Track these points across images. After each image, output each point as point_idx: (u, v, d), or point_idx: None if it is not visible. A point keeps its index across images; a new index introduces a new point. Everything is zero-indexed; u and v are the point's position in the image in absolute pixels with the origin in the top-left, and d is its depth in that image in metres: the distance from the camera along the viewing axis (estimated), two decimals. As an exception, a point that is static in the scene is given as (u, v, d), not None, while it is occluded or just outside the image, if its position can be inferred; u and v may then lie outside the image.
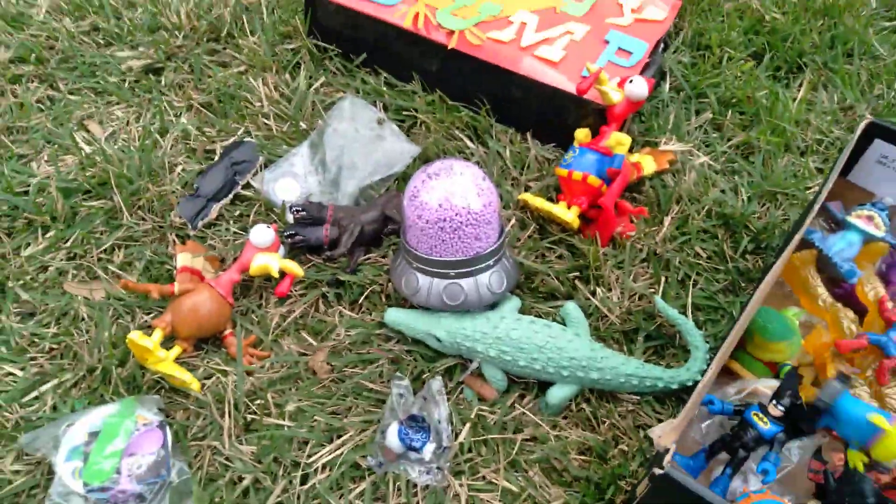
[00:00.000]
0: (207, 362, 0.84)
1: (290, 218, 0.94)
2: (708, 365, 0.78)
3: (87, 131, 1.03)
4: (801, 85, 1.18)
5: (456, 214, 0.79)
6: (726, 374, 0.80)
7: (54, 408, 0.79)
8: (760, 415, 0.71)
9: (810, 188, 1.03)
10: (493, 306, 0.85)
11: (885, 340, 0.76)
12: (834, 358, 0.77)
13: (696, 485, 0.56)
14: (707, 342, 0.82)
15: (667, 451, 0.57)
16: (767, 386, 0.75)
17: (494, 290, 0.82)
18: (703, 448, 0.73)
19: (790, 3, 1.29)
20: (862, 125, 0.83)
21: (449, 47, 1.03)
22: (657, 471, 0.57)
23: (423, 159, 1.01)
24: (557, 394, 0.80)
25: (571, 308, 0.84)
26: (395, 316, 0.83)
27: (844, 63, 1.21)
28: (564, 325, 0.84)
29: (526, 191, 1.00)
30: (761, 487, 0.68)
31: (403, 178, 1.00)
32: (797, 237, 0.74)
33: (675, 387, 0.80)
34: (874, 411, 0.67)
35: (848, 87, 1.17)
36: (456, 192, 0.79)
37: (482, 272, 0.82)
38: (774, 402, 0.71)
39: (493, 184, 0.83)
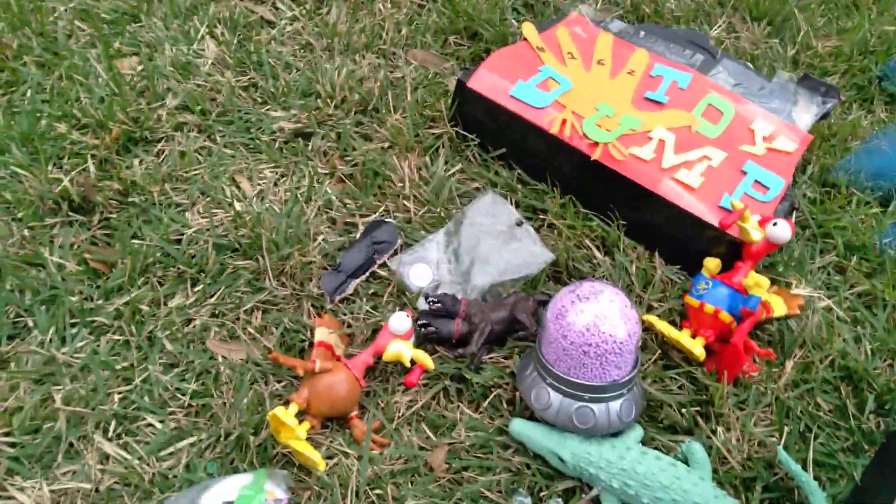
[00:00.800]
0: (331, 441, 0.86)
1: (422, 304, 0.97)
2: None
3: (239, 187, 1.08)
4: (929, 239, 1.17)
5: (602, 342, 0.81)
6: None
7: (188, 467, 0.82)
8: None
9: (935, 351, 1.02)
10: (616, 433, 0.86)
11: None
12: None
13: None
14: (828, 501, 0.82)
15: None
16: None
17: (623, 419, 0.84)
18: None
19: (923, 151, 1.29)
20: None
21: (592, 158, 1.06)
22: None
23: (552, 264, 1.04)
24: None
25: (697, 449, 0.85)
26: (521, 428, 0.84)
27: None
28: (687, 463, 0.84)
29: (648, 311, 1.02)
30: None
31: (531, 283, 1.02)
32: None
33: None
34: None
35: (978, 249, 1.16)
36: (605, 319, 0.81)
37: (614, 399, 0.83)
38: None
39: (637, 314, 0.85)
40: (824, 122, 1.32)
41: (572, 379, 0.83)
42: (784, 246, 1.12)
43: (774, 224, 0.95)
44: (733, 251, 1.00)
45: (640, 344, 0.87)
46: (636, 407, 0.85)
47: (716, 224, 0.99)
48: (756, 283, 0.93)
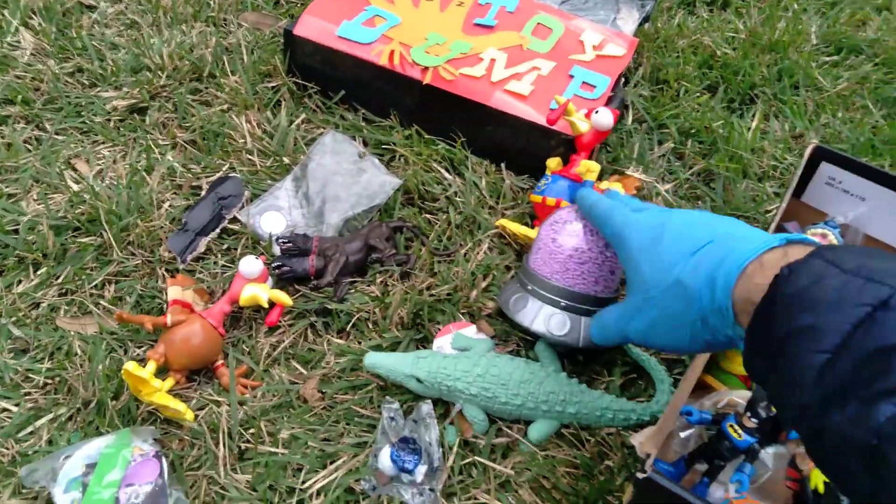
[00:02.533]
0: (200, 393, 0.86)
1: (276, 250, 0.97)
2: (672, 394, 0.83)
3: (75, 170, 1.05)
4: (754, 115, 1.26)
5: (589, 249, 0.84)
6: (702, 389, 0.85)
7: (50, 441, 0.80)
8: (735, 426, 0.76)
9: (769, 211, 1.10)
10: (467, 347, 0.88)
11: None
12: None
13: (676, 486, 0.60)
14: (671, 373, 0.87)
15: (647, 456, 0.62)
16: (742, 397, 0.80)
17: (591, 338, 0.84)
18: (682, 457, 0.77)
19: (739, 39, 1.38)
20: (808, 150, 0.90)
21: (423, 83, 1.09)
22: (640, 475, 0.61)
23: (404, 191, 1.06)
24: (539, 429, 0.83)
25: (544, 347, 0.89)
26: (374, 359, 0.84)
27: (792, 95, 1.29)
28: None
29: (502, 217, 1.05)
30: (742, 494, 0.73)
31: (385, 210, 1.04)
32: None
33: (647, 419, 0.84)
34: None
35: (797, 117, 1.25)
36: (597, 231, 0.84)
37: (590, 315, 0.84)
38: (748, 413, 0.76)
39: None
40: (650, 26, 1.39)
41: (553, 282, 0.85)
42: (625, 141, 1.18)
43: (597, 112, 1.00)
44: (570, 148, 1.05)
45: (622, 274, 0.89)
46: None
47: (545, 123, 1.03)
48: (588, 168, 0.98)
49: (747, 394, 0.79)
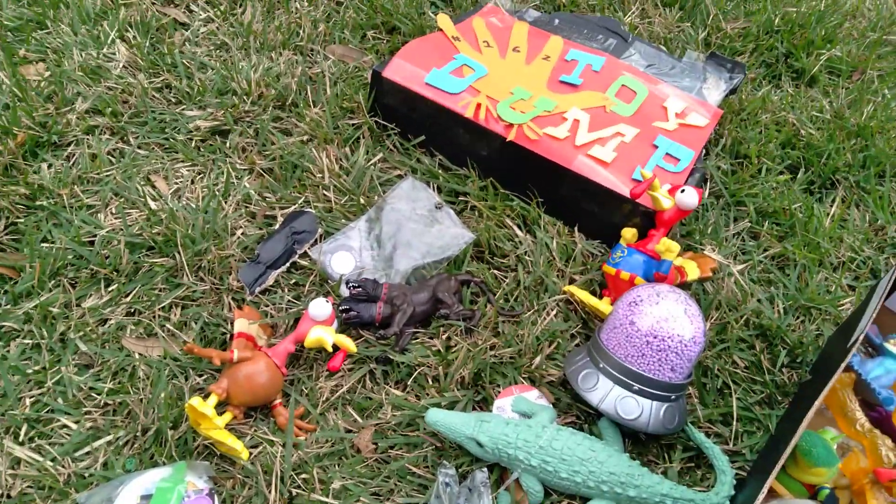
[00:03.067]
0: (255, 431, 0.85)
1: (344, 291, 0.97)
2: (734, 488, 0.81)
3: (154, 187, 1.07)
4: (833, 201, 1.23)
5: (668, 336, 0.83)
6: (768, 493, 0.82)
7: (105, 465, 0.80)
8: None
9: (842, 305, 1.07)
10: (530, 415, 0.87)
11: (921, 472, 0.78)
12: (872, 486, 0.79)
13: None
14: (732, 464, 0.84)
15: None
16: (806, 507, 0.77)
17: (666, 424, 0.84)
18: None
19: (824, 119, 1.35)
20: (906, 260, 0.87)
21: (507, 139, 1.08)
22: None
23: (475, 244, 1.05)
24: None
25: (609, 424, 0.86)
26: (436, 416, 0.83)
27: (876, 184, 1.26)
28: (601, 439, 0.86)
29: (570, 283, 1.04)
30: None
31: (454, 262, 1.03)
32: (844, 363, 0.77)
33: None
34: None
35: (879, 209, 1.22)
36: (676, 317, 0.83)
37: (661, 400, 0.84)
38: (813, 525, 0.73)
39: (705, 328, 0.86)
40: (734, 98, 1.37)
41: (628, 365, 0.84)
42: (700, 215, 1.16)
43: (682, 191, 0.98)
44: (648, 221, 1.03)
45: (699, 359, 0.88)
46: (678, 417, 0.86)
47: (627, 195, 1.02)
48: (667, 248, 0.96)
49: (810, 503, 0.76)
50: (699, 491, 0.83)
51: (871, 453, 0.83)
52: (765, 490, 0.67)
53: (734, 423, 0.91)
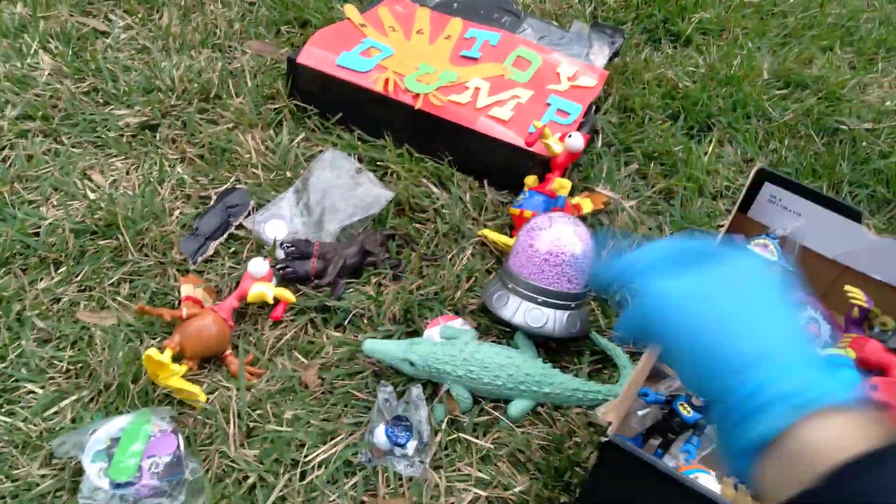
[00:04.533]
0: (210, 379, 0.94)
1: (280, 254, 1.07)
2: None
3: (91, 180, 1.14)
4: (710, 141, 1.40)
5: (561, 252, 0.96)
6: (658, 375, 0.96)
7: (73, 420, 0.88)
8: (685, 404, 0.87)
9: (721, 225, 1.23)
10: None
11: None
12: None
13: (633, 447, 0.70)
14: (633, 363, 0.99)
15: (609, 423, 0.72)
16: (690, 381, 0.91)
17: (570, 329, 0.97)
18: (639, 433, 0.88)
19: (699, 73, 1.53)
20: (753, 171, 1.03)
21: (416, 108, 1.20)
22: (603, 439, 0.71)
23: (396, 203, 1.16)
24: (517, 407, 0.93)
25: (521, 336, 0.99)
26: (372, 346, 0.93)
27: (745, 123, 1.44)
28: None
29: (484, 228, 1.16)
30: (689, 462, 0.84)
31: (378, 220, 1.14)
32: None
33: (612, 398, 0.95)
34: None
35: (748, 143, 1.39)
36: (568, 237, 0.97)
37: (563, 308, 0.97)
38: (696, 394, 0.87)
39: (592, 244, 1.00)
40: (619, 60, 1.53)
41: (532, 282, 0.96)
42: (594, 162, 1.31)
43: (570, 136, 1.12)
44: (546, 168, 1.16)
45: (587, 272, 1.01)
46: (581, 323, 0.99)
47: (524, 145, 1.15)
48: (560, 185, 1.10)
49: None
50: (605, 385, 0.97)
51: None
52: (643, 360, 0.80)
53: (632, 328, 1.05)
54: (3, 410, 0.87)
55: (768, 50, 1.67)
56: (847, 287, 1.03)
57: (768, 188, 1.05)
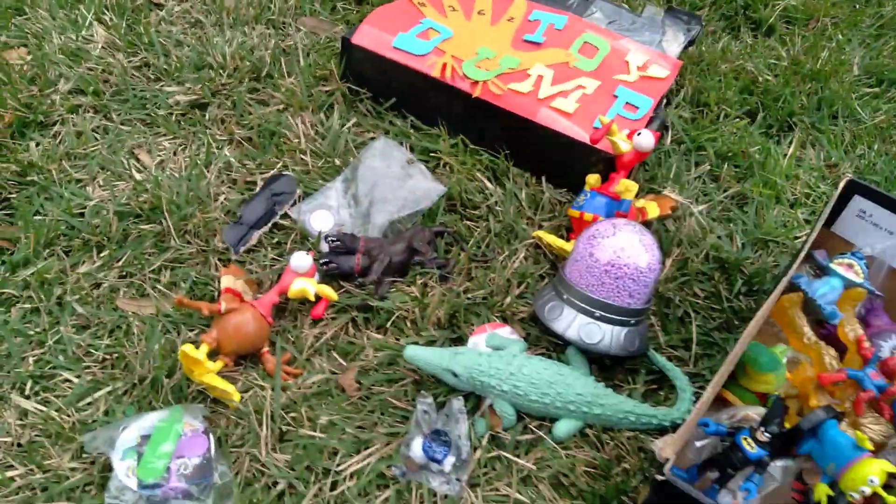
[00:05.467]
0: (246, 377, 0.91)
1: (324, 247, 1.03)
2: (694, 404, 0.87)
3: (138, 160, 1.12)
4: (790, 142, 1.28)
5: (624, 265, 0.89)
6: (721, 402, 0.89)
7: (106, 413, 0.86)
8: (748, 439, 0.79)
9: (798, 237, 1.13)
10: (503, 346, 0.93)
11: (861, 375, 0.85)
12: (816, 390, 0.86)
13: (693, 489, 0.64)
14: (692, 385, 0.91)
15: (667, 460, 0.65)
16: (756, 413, 0.84)
17: (627, 347, 0.90)
18: (696, 464, 0.81)
19: (781, 67, 1.41)
20: (843, 182, 0.93)
21: (473, 96, 1.13)
22: (658, 477, 0.65)
23: (447, 198, 1.10)
24: (564, 427, 0.87)
25: (575, 351, 0.93)
26: (413, 352, 0.88)
27: (830, 124, 1.32)
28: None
29: (539, 229, 1.09)
30: (748, 502, 0.76)
31: (428, 215, 1.09)
32: (785, 280, 0.84)
33: (667, 424, 0.88)
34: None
35: (833, 147, 1.28)
36: (632, 247, 0.89)
37: (621, 325, 0.90)
38: (762, 428, 0.79)
39: (660, 255, 0.93)
40: (694, 49, 1.42)
41: (589, 294, 0.90)
42: (662, 160, 1.22)
43: (639, 134, 1.03)
44: (609, 166, 1.08)
45: (656, 284, 0.94)
46: (639, 341, 0.92)
47: (588, 141, 1.07)
48: (626, 188, 1.02)
49: (762, 410, 0.82)
50: (661, 408, 0.90)
51: (817, 363, 0.89)
52: (710, 389, 0.73)
53: (694, 346, 0.97)
54: (38, 398, 0.86)
55: (860, 43, 1.53)
56: (940, 317, 0.93)
57: (858, 202, 0.95)
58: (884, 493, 0.71)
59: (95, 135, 1.15)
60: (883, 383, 0.85)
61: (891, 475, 0.78)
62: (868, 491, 0.71)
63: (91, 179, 1.09)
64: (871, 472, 0.71)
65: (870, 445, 0.73)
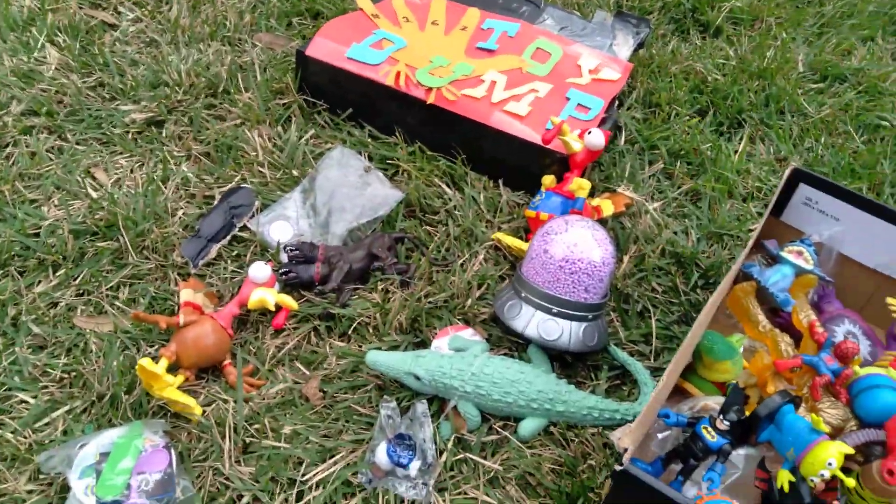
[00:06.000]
0: (208, 390, 0.90)
1: (284, 258, 1.03)
2: None
3: (94, 178, 1.11)
4: (741, 139, 1.32)
5: (578, 260, 0.90)
6: (681, 394, 0.90)
7: (65, 432, 0.84)
8: (709, 428, 0.80)
9: (752, 230, 1.15)
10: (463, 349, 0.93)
11: (816, 360, 0.87)
12: (773, 377, 0.88)
13: (650, 477, 0.65)
14: (654, 379, 0.92)
15: (625, 450, 0.66)
16: (716, 402, 0.85)
17: (587, 342, 0.91)
18: (659, 457, 0.82)
19: (729, 66, 1.45)
20: (787, 171, 0.95)
21: (427, 102, 1.15)
22: (618, 467, 0.66)
23: (406, 204, 1.11)
24: (528, 426, 0.88)
25: (536, 349, 0.94)
26: (375, 357, 0.88)
27: (778, 120, 1.35)
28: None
29: (498, 231, 1.10)
30: (712, 491, 0.77)
31: (387, 222, 1.09)
32: (735, 268, 0.86)
33: (630, 418, 0.89)
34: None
35: (782, 141, 1.31)
36: (586, 242, 0.90)
37: (580, 320, 0.91)
38: (721, 416, 0.80)
39: (614, 251, 0.94)
40: (644, 52, 1.45)
41: (545, 290, 0.90)
42: (617, 160, 1.24)
43: (589, 133, 1.06)
44: (564, 167, 1.10)
45: (611, 279, 0.96)
46: (598, 336, 0.93)
47: (540, 142, 1.09)
48: (579, 186, 1.04)
49: (722, 399, 0.84)
50: (624, 403, 0.91)
51: (773, 350, 0.91)
52: (666, 377, 0.74)
53: (654, 340, 0.99)
54: (-7, 421, 0.85)
55: (804, 41, 1.58)
56: (889, 299, 0.95)
57: (804, 190, 0.98)
58: (842, 476, 0.73)
59: (50, 155, 1.14)
60: (838, 367, 0.87)
61: (848, 457, 0.80)
62: (827, 474, 0.72)
63: (46, 199, 1.07)
64: (829, 456, 0.72)
65: (826, 428, 0.75)
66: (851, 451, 0.74)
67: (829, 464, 0.72)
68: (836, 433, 0.85)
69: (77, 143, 1.17)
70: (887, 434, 0.81)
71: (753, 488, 0.80)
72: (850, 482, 0.73)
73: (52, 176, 1.10)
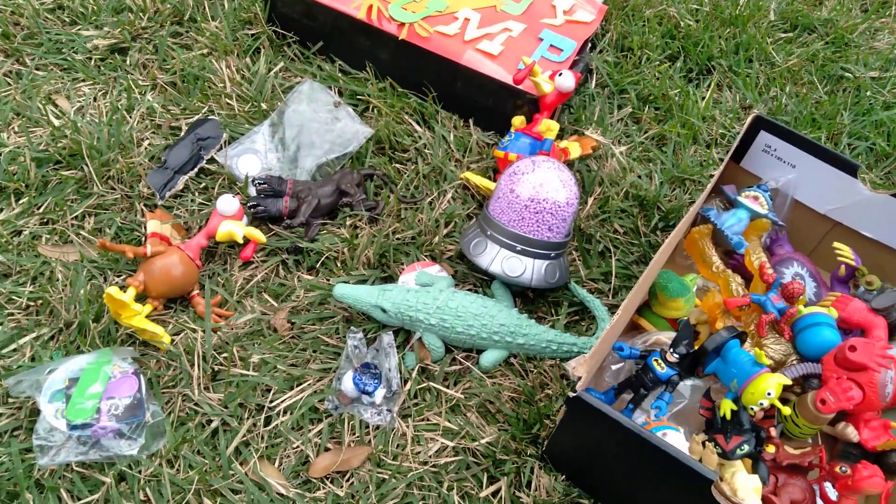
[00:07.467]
0: (176, 320, 0.92)
1: (252, 191, 1.03)
2: None
3: (56, 105, 1.09)
4: (709, 85, 1.33)
5: (544, 200, 0.91)
6: (635, 329, 0.94)
7: (33, 358, 0.85)
8: (659, 360, 0.85)
9: (713, 175, 1.18)
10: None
11: (764, 299, 0.91)
12: (723, 314, 0.92)
13: (601, 404, 0.69)
14: (611, 315, 0.96)
15: (579, 378, 0.70)
16: (668, 337, 0.89)
17: (548, 279, 0.93)
18: (612, 387, 0.86)
19: (703, 12, 1.45)
20: (749, 119, 0.98)
21: (399, 38, 1.13)
22: (571, 394, 0.69)
23: (376, 141, 1.11)
24: (490, 357, 0.91)
25: (498, 285, 0.96)
26: (343, 290, 0.90)
27: (746, 68, 1.37)
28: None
29: (467, 170, 1.12)
30: (659, 418, 0.82)
31: (357, 158, 1.10)
32: (692, 210, 0.89)
33: (587, 351, 0.93)
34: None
35: (748, 89, 1.33)
36: (551, 183, 0.92)
37: (542, 258, 0.93)
38: (672, 349, 0.85)
39: (578, 198, 0.95)
40: (619, -5, 1.44)
41: (511, 229, 0.92)
42: (587, 104, 1.25)
43: (560, 74, 1.06)
44: (535, 108, 1.11)
45: (575, 219, 0.97)
46: (559, 273, 0.95)
47: (511, 82, 1.09)
48: (548, 127, 1.05)
49: (673, 334, 0.88)
50: (582, 337, 0.95)
51: (725, 290, 0.95)
52: (619, 312, 0.78)
53: (613, 279, 1.02)
54: (-41, 346, 0.85)
55: (778, -12, 1.58)
56: (836, 244, 1.00)
57: (764, 137, 1.00)
58: (779, 405, 0.78)
59: (7, 79, 1.11)
60: (784, 306, 0.92)
61: (786, 388, 0.85)
62: (766, 403, 0.77)
63: (5, 125, 1.05)
64: (768, 387, 0.77)
65: (768, 361, 0.80)
66: (789, 382, 0.79)
67: (769, 394, 0.77)
68: (777, 367, 0.91)
69: (36, 69, 1.13)
70: (823, 367, 0.87)
71: (698, 416, 0.85)
72: (787, 410, 0.78)
73: (10, 101, 1.07)
